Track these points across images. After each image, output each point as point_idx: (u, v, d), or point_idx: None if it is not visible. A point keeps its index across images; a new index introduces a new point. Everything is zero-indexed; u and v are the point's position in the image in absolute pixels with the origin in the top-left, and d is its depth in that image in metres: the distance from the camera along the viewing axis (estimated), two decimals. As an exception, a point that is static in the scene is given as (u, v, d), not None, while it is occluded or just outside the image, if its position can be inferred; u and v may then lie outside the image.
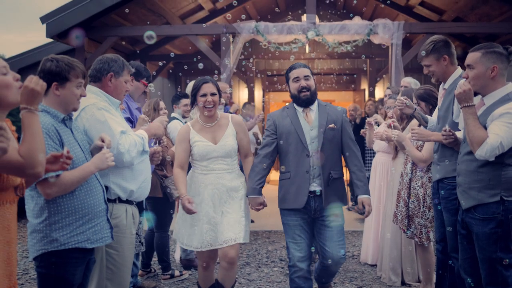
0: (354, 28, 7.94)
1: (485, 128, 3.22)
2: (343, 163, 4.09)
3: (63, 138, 2.88)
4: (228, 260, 3.93)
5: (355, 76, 13.78)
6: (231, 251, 3.91)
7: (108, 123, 3.29)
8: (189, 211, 3.79)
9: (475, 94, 3.35)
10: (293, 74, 4.00)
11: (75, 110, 3.05)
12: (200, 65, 5.61)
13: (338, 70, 13.09)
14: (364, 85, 13.33)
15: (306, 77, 3.97)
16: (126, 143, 3.36)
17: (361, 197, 3.95)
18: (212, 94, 4.03)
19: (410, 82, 5.34)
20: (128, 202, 3.50)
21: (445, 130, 3.54)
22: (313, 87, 4.01)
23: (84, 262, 2.95)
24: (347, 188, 8.45)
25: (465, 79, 3.43)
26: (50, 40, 8.84)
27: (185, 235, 4.07)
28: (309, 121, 3.97)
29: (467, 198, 3.31)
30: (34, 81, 2.34)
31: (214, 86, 4.08)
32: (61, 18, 7.72)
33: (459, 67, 3.98)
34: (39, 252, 2.80)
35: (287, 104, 4.18)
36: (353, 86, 14.19)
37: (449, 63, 3.96)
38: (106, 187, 3.27)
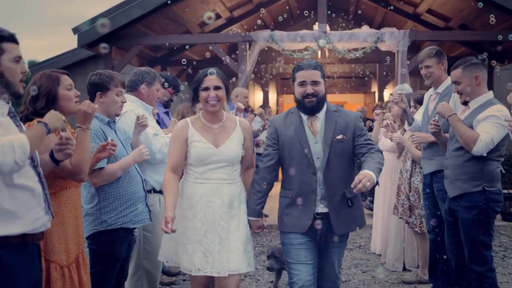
0: (363, 36, 8.53)
1: (471, 127, 3.76)
2: None
3: (108, 137, 3.48)
4: None
5: (365, 79, 14.31)
6: (231, 283, 3.29)
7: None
8: (166, 232, 3.07)
9: (466, 103, 3.90)
10: (300, 76, 3.37)
11: (117, 115, 3.67)
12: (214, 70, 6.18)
13: (349, 74, 13.61)
14: (374, 88, 13.85)
15: (314, 83, 3.33)
16: (158, 143, 3.99)
17: (365, 171, 3.03)
18: (216, 88, 3.38)
19: (402, 89, 5.84)
20: (160, 192, 4.10)
21: (434, 120, 4.06)
22: (321, 93, 3.35)
23: (127, 240, 3.54)
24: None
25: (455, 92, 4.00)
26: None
27: (172, 252, 3.43)
28: (314, 132, 3.36)
29: (453, 188, 3.85)
30: (86, 105, 2.96)
31: (219, 79, 3.42)
32: (91, 29, 8.37)
33: (449, 77, 4.53)
34: (91, 231, 3.39)
35: (291, 108, 3.57)
36: (363, 88, 14.73)
37: (444, 70, 4.53)
38: (144, 180, 3.87)
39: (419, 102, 5.07)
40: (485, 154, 3.68)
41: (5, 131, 2.34)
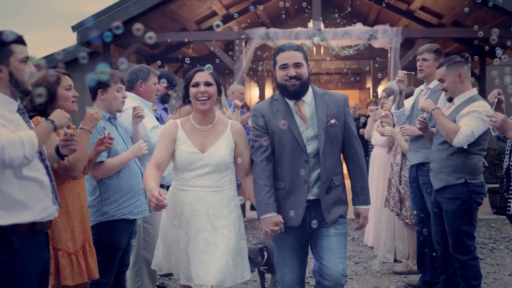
0: (356, 34, 8.72)
1: (454, 121, 3.95)
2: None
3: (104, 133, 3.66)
4: None
5: (360, 75, 14.51)
6: None
7: (143, 122, 4.08)
8: (158, 205, 2.83)
9: (451, 99, 4.08)
10: (281, 59, 3.18)
11: (119, 111, 3.84)
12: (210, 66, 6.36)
13: (343, 70, 13.80)
14: (369, 84, 14.04)
15: (296, 65, 3.14)
16: (156, 136, 4.15)
17: (359, 208, 3.33)
18: (207, 84, 3.22)
19: (393, 85, 5.99)
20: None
21: (422, 117, 4.24)
22: (304, 76, 3.17)
23: (128, 231, 3.71)
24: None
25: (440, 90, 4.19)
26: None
27: (165, 261, 3.31)
28: (303, 117, 3.19)
29: (438, 180, 4.03)
30: (95, 111, 3.23)
31: (210, 76, 3.27)
32: (90, 27, 8.52)
33: None
34: (94, 222, 3.55)
35: (274, 94, 3.36)
36: (358, 84, 14.92)
37: None
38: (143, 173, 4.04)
39: (407, 96, 5.26)
40: (465, 146, 3.85)
41: (15, 127, 2.51)
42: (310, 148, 3.16)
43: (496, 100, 3.51)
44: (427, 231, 4.70)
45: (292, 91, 3.17)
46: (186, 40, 9.42)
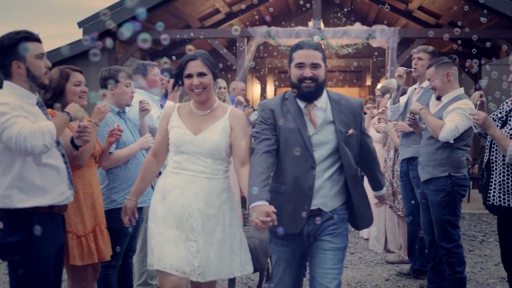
0: (355, 33, 9.00)
1: (441, 118, 4.20)
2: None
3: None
4: None
5: (360, 73, 14.76)
6: (203, 285, 3.15)
7: (150, 114, 4.34)
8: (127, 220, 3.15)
9: (439, 98, 4.34)
10: (298, 57, 2.93)
11: (128, 105, 4.10)
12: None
13: (344, 68, 14.05)
14: (369, 82, 14.30)
15: (314, 65, 2.90)
16: None
17: (380, 193, 3.37)
18: (200, 75, 3.07)
19: (390, 83, 6.25)
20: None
21: (411, 114, 4.49)
22: (321, 78, 2.93)
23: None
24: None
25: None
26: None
27: (157, 255, 3.08)
28: (313, 122, 2.95)
29: (425, 172, 4.29)
30: (103, 105, 3.48)
31: (204, 64, 3.09)
32: (96, 23, 8.77)
33: None
34: (103, 209, 3.83)
35: (286, 92, 3.09)
36: (358, 82, 15.17)
37: None
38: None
39: (402, 95, 5.52)
40: (451, 141, 4.10)
41: (35, 118, 2.77)
42: (318, 153, 2.91)
43: (479, 102, 3.75)
44: (417, 222, 4.96)
45: (306, 92, 2.93)
46: (191, 35, 9.66)
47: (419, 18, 11.25)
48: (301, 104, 2.96)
